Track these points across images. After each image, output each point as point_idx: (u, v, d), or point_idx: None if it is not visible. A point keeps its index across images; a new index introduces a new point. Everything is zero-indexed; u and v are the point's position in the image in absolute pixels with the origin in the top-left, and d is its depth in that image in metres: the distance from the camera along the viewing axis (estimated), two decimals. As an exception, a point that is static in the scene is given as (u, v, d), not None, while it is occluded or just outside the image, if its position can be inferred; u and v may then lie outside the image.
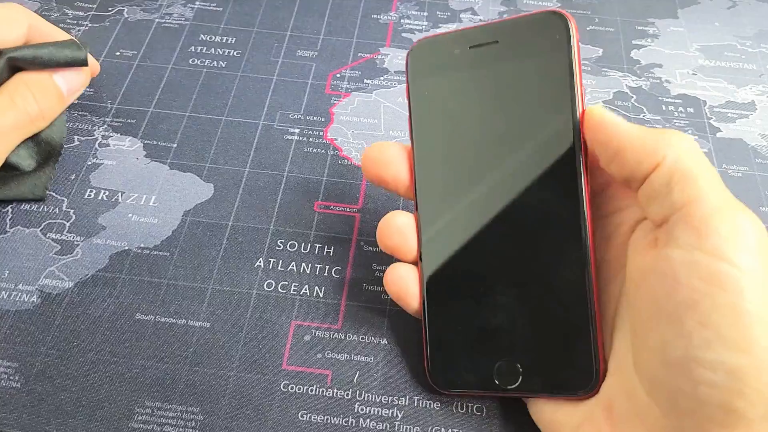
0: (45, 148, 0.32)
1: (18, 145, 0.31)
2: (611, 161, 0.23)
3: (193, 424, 0.26)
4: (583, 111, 0.24)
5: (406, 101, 0.27)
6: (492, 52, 0.25)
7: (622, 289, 0.24)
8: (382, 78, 0.38)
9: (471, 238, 0.25)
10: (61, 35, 0.33)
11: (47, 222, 0.31)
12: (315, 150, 0.35)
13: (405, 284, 0.26)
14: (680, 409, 0.20)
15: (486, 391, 0.25)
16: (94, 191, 0.33)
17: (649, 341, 0.21)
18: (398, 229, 0.26)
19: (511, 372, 0.24)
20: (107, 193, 0.33)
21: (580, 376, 0.23)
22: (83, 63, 0.32)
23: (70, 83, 0.32)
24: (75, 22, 0.40)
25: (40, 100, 0.31)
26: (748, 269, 0.19)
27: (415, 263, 0.27)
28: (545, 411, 0.24)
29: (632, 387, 0.22)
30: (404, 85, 0.35)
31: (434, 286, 0.26)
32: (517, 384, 0.24)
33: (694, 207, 0.20)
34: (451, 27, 0.41)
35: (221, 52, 0.39)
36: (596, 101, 0.37)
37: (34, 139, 0.32)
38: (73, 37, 0.33)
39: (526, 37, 0.25)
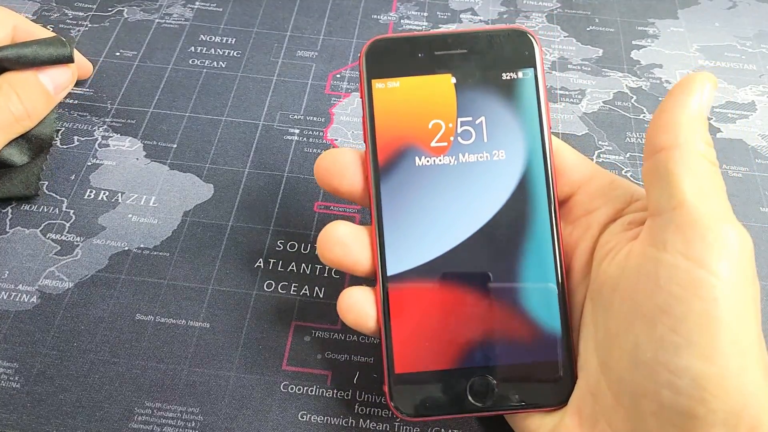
0: (36, 143, 0.32)
1: (8, 143, 0.31)
2: (655, 116, 0.22)
3: (193, 424, 0.26)
4: (549, 123, 0.25)
5: (361, 101, 0.25)
6: (459, 60, 0.25)
7: (588, 292, 0.24)
8: (382, 78, 0.38)
9: (439, 251, 0.24)
10: (46, 35, 0.32)
11: (47, 222, 0.31)
12: (315, 150, 0.35)
13: (363, 309, 0.24)
14: (642, 410, 0.20)
15: (457, 412, 0.24)
16: (94, 192, 0.33)
17: (623, 341, 0.21)
18: (339, 240, 0.24)
19: (486, 388, 0.24)
20: (107, 193, 0.33)
21: (557, 388, 0.24)
22: (69, 60, 0.32)
23: (57, 81, 0.32)
24: (75, 22, 0.40)
25: (26, 99, 0.31)
26: (725, 278, 0.19)
27: (364, 276, 0.25)
28: (517, 417, 0.25)
29: (598, 389, 0.22)
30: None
31: (399, 302, 0.24)
32: (491, 402, 0.24)
33: (687, 211, 0.20)
34: (452, 27, 0.41)
35: (221, 53, 0.39)
36: (596, 102, 0.37)
37: (24, 136, 0.32)
38: (57, 34, 0.32)
39: (495, 50, 0.25)
